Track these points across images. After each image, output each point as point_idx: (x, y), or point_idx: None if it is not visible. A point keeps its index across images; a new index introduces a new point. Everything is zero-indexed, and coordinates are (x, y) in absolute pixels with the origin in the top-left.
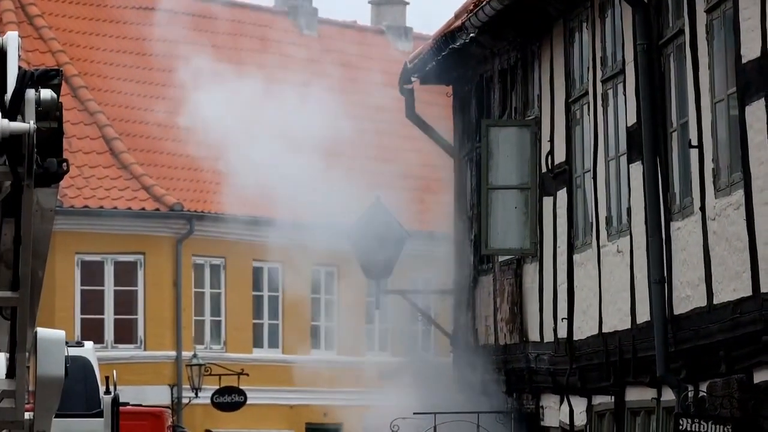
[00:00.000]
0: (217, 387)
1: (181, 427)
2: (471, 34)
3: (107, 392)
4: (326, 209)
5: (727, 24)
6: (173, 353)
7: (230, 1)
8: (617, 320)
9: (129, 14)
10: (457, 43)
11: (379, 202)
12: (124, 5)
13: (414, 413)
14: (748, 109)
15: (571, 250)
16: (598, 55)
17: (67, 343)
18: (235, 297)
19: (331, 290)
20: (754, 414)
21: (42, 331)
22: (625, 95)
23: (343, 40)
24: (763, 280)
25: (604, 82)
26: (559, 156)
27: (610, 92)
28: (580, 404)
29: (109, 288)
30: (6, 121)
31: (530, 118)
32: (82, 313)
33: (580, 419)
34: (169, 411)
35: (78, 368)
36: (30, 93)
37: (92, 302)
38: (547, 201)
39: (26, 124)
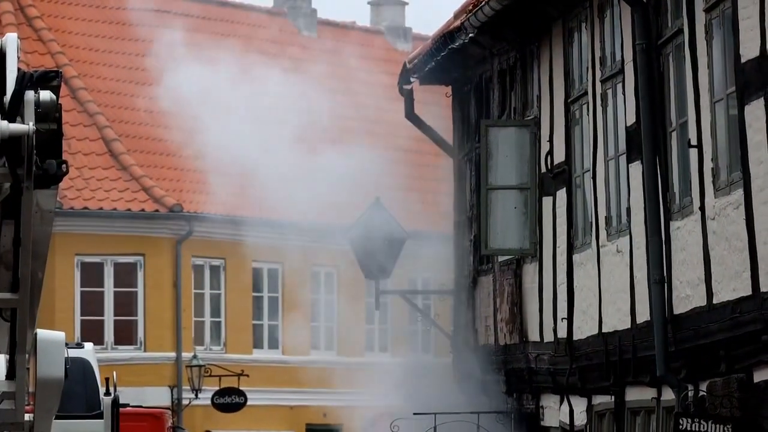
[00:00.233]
0: (217, 388)
1: (181, 428)
2: (470, 35)
3: (107, 393)
4: (326, 210)
5: (726, 23)
6: (173, 354)
7: (229, 2)
8: (617, 320)
9: (128, 16)
10: (456, 44)
11: (379, 203)
12: (124, 7)
13: (414, 413)
14: (747, 108)
15: (570, 250)
16: (597, 55)
17: (67, 344)
18: (235, 298)
19: (330, 291)
20: (754, 413)
21: (42, 333)
22: (624, 95)
23: (342, 40)
24: (763, 279)
25: (603, 81)
26: (559, 156)
27: (610, 92)
28: (580, 404)
29: (108, 289)
30: (5, 122)
31: (529, 118)
32: (81, 315)
33: (580, 419)
34: (169, 412)
35: (78, 370)
36: (29, 94)
37: (92, 303)
38: (547, 201)
39: (26, 126)
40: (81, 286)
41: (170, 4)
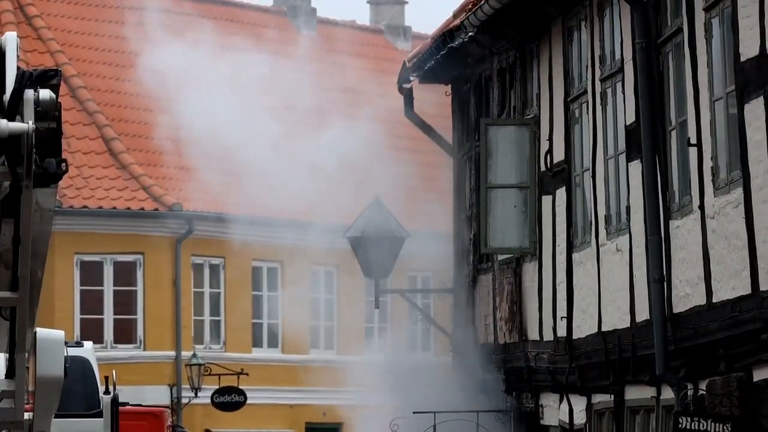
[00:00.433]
0: (217, 387)
1: (180, 427)
2: (470, 33)
3: (107, 392)
4: (325, 209)
5: (725, 22)
6: (173, 353)
7: (230, 2)
8: (616, 319)
9: (127, 15)
10: (456, 42)
11: (379, 202)
12: (123, 5)
13: (413, 412)
14: (746, 107)
15: (570, 248)
16: (597, 53)
17: (66, 343)
18: (235, 297)
19: (330, 290)
20: (754, 412)
21: (41, 332)
22: (623, 94)
23: (341, 39)
24: (762, 278)
25: (602, 80)
26: (558, 155)
27: (609, 91)
28: (579, 403)
29: (108, 288)
30: (5, 121)
31: (529, 117)
32: (81, 314)
33: (580, 418)
34: (169, 411)
35: (77, 368)
36: (29, 93)
37: (91, 302)
38: (546, 200)
39: (25, 125)
40: (80, 285)
41: (170, 3)
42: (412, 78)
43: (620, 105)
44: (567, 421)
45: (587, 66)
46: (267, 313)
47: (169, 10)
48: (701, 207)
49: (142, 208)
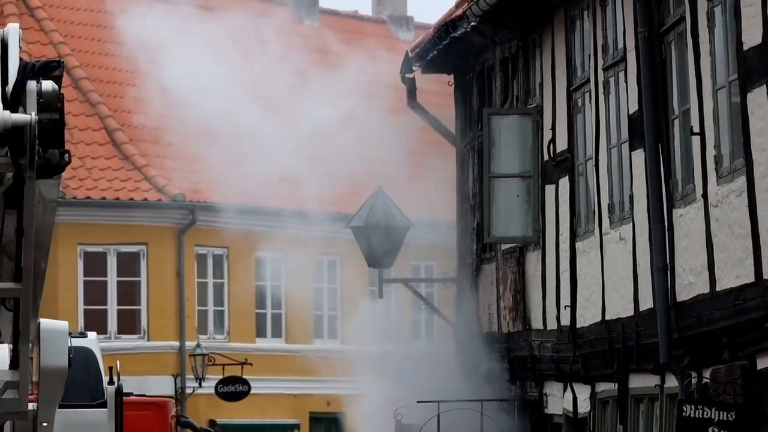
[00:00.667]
0: (221, 377)
1: (184, 417)
2: (472, 23)
3: (111, 383)
4: (328, 198)
5: (728, 11)
6: (176, 343)
7: None
8: (620, 307)
9: (129, 6)
10: (458, 32)
11: (382, 191)
12: None
13: (417, 401)
14: (749, 95)
15: (573, 237)
16: (600, 42)
17: (70, 333)
18: (238, 287)
19: (333, 280)
20: (758, 400)
21: (45, 322)
22: (626, 83)
23: (344, 29)
24: (766, 266)
25: (605, 69)
26: (561, 144)
27: (612, 80)
28: (583, 392)
29: (111, 279)
30: (8, 112)
31: (532, 106)
32: (85, 304)
33: (584, 407)
34: (173, 401)
35: (81, 359)
36: (31, 85)
37: (95, 293)
38: (550, 189)
39: (28, 116)
40: (84, 276)
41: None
42: (414, 68)
43: (623, 94)
44: (571, 410)
45: (590, 55)
46: (270, 303)
47: (170, 2)
48: (704, 195)
49: (145, 199)
